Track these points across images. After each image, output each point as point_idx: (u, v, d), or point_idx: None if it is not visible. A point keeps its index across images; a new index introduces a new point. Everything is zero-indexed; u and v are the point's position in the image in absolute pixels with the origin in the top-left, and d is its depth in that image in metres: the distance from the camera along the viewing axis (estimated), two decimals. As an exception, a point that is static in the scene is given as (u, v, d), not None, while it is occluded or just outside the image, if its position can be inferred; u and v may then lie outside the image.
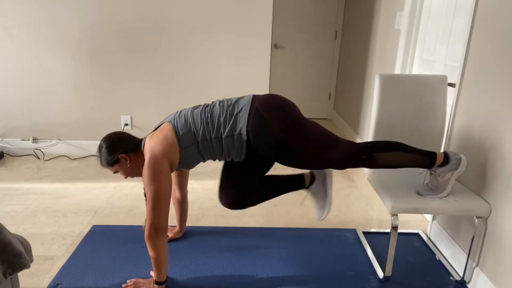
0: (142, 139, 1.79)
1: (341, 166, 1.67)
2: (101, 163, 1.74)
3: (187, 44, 3.14)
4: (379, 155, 1.65)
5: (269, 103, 1.64)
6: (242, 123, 1.63)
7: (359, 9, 3.91)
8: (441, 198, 1.75)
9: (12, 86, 3.20)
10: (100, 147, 1.73)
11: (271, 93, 1.78)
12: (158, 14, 3.05)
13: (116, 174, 1.80)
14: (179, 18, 3.06)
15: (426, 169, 1.78)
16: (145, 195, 1.82)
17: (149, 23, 3.07)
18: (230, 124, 1.64)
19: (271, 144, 1.62)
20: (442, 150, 2.14)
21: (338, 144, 1.65)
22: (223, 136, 1.65)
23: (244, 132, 1.63)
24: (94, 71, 3.19)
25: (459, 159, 1.69)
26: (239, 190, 1.82)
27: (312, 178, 1.94)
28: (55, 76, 3.19)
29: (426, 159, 1.69)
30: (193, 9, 3.05)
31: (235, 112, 1.65)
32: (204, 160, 1.76)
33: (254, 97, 1.69)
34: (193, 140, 1.66)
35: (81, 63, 3.16)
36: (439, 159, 1.70)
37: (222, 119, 1.65)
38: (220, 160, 1.76)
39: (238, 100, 1.70)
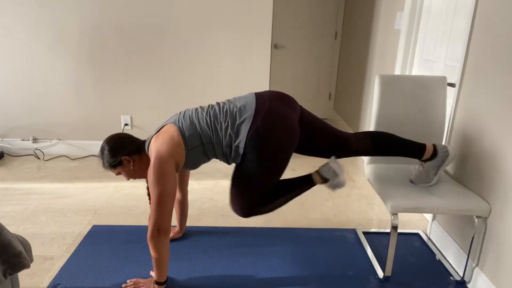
0: (145, 141, 1.79)
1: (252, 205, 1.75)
2: (104, 165, 1.74)
3: (187, 44, 3.14)
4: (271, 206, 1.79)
5: (271, 125, 1.62)
6: (241, 137, 1.63)
7: (359, 9, 3.91)
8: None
9: (12, 86, 3.20)
10: (102, 149, 1.73)
11: (277, 96, 1.72)
12: (158, 14, 3.05)
13: (118, 175, 1.80)
14: (179, 18, 3.06)
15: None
16: (148, 195, 1.82)
17: (149, 23, 3.07)
18: (231, 135, 1.65)
19: (253, 164, 1.66)
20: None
21: (263, 193, 1.73)
22: (223, 145, 1.67)
23: (242, 145, 1.64)
24: (94, 71, 3.19)
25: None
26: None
27: (434, 154, 1.82)
28: (55, 76, 3.19)
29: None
30: (193, 9, 3.05)
31: (237, 123, 1.64)
32: (209, 159, 1.77)
33: (258, 106, 1.65)
34: (199, 142, 1.66)
35: (81, 63, 3.16)
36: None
37: (224, 127, 1.65)
38: (222, 161, 1.77)
39: (241, 108, 1.66)
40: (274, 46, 4.60)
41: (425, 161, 1.83)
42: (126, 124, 3.35)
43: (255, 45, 3.15)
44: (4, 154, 3.35)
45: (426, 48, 2.58)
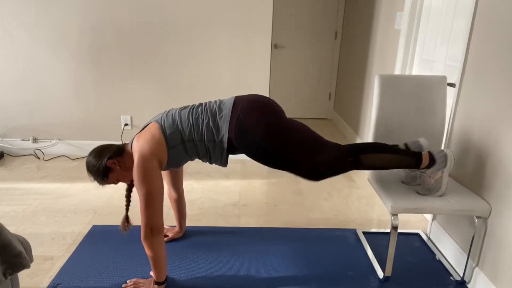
0: (124, 143, 1.81)
1: (328, 168, 1.62)
2: (98, 181, 1.75)
3: (187, 44, 3.14)
4: (365, 156, 1.64)
5: (250, 109, 1.63)
6: (224, 131, 1.64)
7: (359, 9, 3.91)
8: (439, 196, 1.75)
9: (12, 86, 3.20)
10: (88, 165, 1.73)
11: (253, 94, 1.74)
12: (158, 14, 3.05)
13: (117, 183, 1.80)
14: (179, 18, 3.06)
15: (417, 170, 1.78)
16: (126, 196, 1.84)
17: (149, 23, 3.07)
18: (212, 129, 1.66)
19: (253, 151, 1.63)
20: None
21: (324, 147, 1.62)
22: (205, 141, 1.67)
23: (225, 139, 1.65)
24: (94, 71, 3.19)
25: (445, 156, 1.68)
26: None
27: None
28: (55, 76, 3.19)
29: (412, 160, 1.68)
30: (193, 9, 3.05)
31: (217, 118, 1.66)
32: (191, 159, 1.78)
33: (236, 102, 1.67)
34: (180, 140, 1.67)
35: (81, 63, 3.16)
36: (425, 161, 1.68)
37: (205, 123, 1.66)
38: (204, 161, 1.78)
39: (220, 104, 1.70)
40: (274, 46, 4.60)
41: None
42: (126, 124, 3.35)
43: (255, 45, 3.15)
44: (4, 154, 3.35)
45: (426, 48, 2.58)
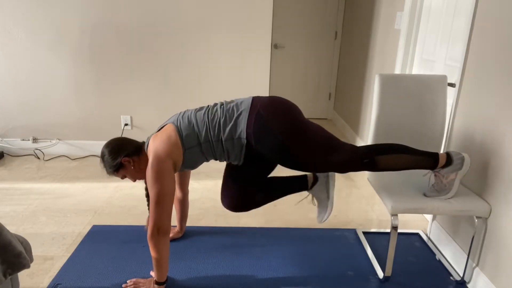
0: (143, 142, 1.80)
1: (343, 169, 1.65)
2: (107, 172, 1.74)
3: (187, 44, 3.14)
4: (380, 158, 1.63)
5: (271, 106, 1.63)
6: (242, 127, 1.63)
7: (359, 9, 3.91)
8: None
9: (12, 86, 3.20)
10: (102, 155, 1.73)
11: (272, 95, 1.77)
12: (158, 14, 3.05)
13: (124, 178, 1.80)
14: (180, 18, 3.06)
15: (430, 170, 1.76)
16: (147, 196, 1.82)
17: (149, 23, 3.07)
18: (230, 127, 1.64)
19: (271, 147, 1.62)
20: (442, 151, 2.14)
21: (340, 148, 1.63)
22: (223, 139, 1.66)
23: (244, 136, 1.63)
24: (94, 71, 3.19)
25: (462, 159, 1.67)
26: (241, 192, 1.82)
27: (315, 179, 1.92)
28: (55, 76, 3.19)
29: (429, 160, 1.67)
30: (193, 9, 3.05)
31: (235, 116, 1.65)
32: (207, 160, 1.77)
33: (255, 100, 1.67)
34: (196, 141, 1.67)
35: (81, 63, 3.16)
36: (442, 160, 1.68)
37: (222, 122, 1.65)
38: (221, 161, 1.77)
39: (238, 103, 1.69)
40: (274, 46, 4.60)
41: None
42: (126, 124, 3.35)
43: (255, 45, 3.15)
44: (4, 154, 3.35)
45: (426, 48, 2.58)
